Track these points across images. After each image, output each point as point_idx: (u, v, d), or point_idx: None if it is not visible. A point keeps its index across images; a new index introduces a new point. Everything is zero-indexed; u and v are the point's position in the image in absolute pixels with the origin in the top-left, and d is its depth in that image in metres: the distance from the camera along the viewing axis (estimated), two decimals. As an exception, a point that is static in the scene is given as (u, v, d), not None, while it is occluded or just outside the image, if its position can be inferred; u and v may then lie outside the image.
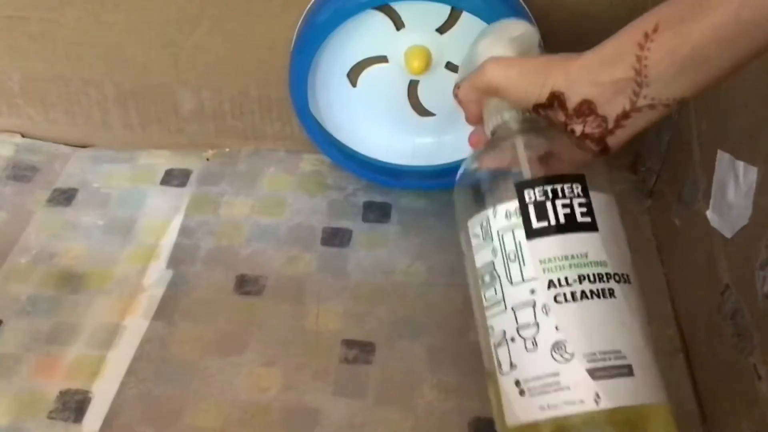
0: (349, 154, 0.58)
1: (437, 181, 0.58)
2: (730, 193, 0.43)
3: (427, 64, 0.52)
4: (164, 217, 0.57)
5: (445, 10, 0.51)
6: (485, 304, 0.38)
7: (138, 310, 0.51)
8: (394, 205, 0.58)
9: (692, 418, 0.45)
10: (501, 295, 0.37)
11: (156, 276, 0.53)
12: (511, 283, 0.37)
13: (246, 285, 0.52)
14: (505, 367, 0.37)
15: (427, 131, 0.58)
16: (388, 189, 0.59)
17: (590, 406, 0.34)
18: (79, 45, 0.58)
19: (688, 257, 0.50)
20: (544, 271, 0.36)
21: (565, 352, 0.35)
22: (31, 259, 0.54)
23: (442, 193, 0.59)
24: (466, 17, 0.50)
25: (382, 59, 0.54)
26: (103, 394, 0.46)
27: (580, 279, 0.36)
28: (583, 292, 0.36)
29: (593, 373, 0.34)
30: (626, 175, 0.60)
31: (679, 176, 0.52)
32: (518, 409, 0.36)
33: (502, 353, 0.37)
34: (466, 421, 0.45)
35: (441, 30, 0.52)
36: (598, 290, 0.36)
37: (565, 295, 0.36)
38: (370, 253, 0.55)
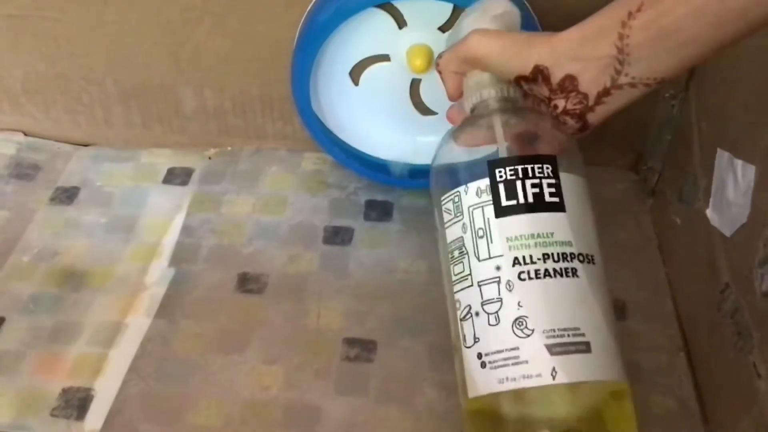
0: (351, 153, 0.58)
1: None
2: (729, 191, 0.44)
3: (429, 62, 0.52)
4: (166, 215, 0.57)
5: (448, 8, 0.51)
6: (453, 279, 0.39)
7: (140, 308, 0.51)
8: (396, 203, 0.58)
9: (694, 415, 0.45)
10: (468, 270, 0.38)
11: (158, 274, 0.53)
12: (479, 259, 0.38)
13: (248, 283, 0.53)
14: (469, 340, 0.38)
15: (428, 130, 0.58)
16: (389, 188, 0.59)
17: (547, 380, 0.35)
18: (81, 43, 0.58)
19: (689, 256, 0.50)
20: (510, 248, 0.37)
21: (526, 327, 0.36)
22: (34, 258, 0.54)
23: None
24: None
25: (384, 58, 0.54)
26: (105, 392, 0.46)
27: (545, 258, 0.37)
28: (546, 270, 0.37)
29: (551, 349, 0.36)
30: (628, 174, 0.60)
31: (680, 175, 0.52)
32: (479, 381, 0.37)
33: (467, 327, 0.38)
34: (467, 419, 0.45)
35: (443, 28, 0.52)
36: (561, 269, 0.37)
37: (528, 272, 0.37)
38: (371, 252, 0.55)
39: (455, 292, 0.39)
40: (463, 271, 0.39)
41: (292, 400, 0.46)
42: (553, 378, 0.35)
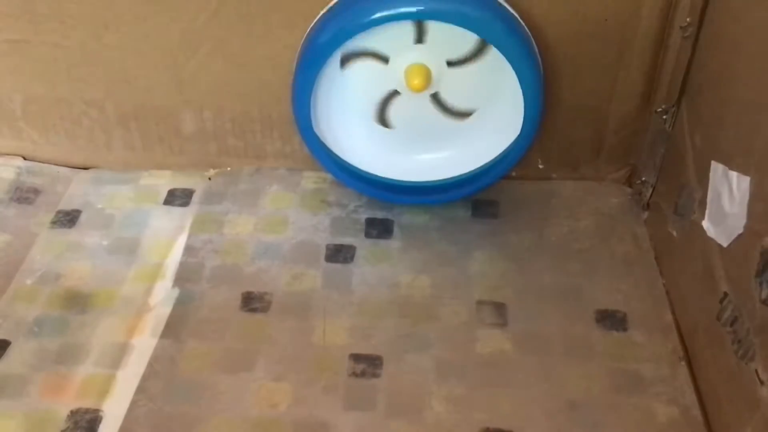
0: (351, 171, 0.58)
1: (438, 197, 0.59)
2: (725, 202, 0.44)
3: (427, 77, 0.53)
4: (168, 236, 0.58)
5: (409, 24, 0.51)
6: None
7: (145, 328, 0.51)
8: (396, 221, 0.59)
9: (697, 424, 0.46)
10: None
11: (162, 295, 0.53)
12: None
13: (252, 302, 0.53)
14: None
15: (427, 147, 0.58)
16: (389, 205, 0.60)
17: None
18: (81, 67, 0.59)
19: (686, 267, 0.51)
20: None
21: None
22: (37, 281, 0.54)
23: (443, 208, 0.60)
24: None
25: (396, 93, 0.55)
26: (113, 413, 0.46)
27: None
28: None
29: None
30: (622, 188, 0.61)
31: (675, 188, 0.53)
32: None
33: None
34: (475, 432, 0.46)
35: (419, 40, 0.52)
36: None
37: None
38: (374, 269, 0.55)
39: None
40: None
41: (301, 417, 0.46)
42: None
